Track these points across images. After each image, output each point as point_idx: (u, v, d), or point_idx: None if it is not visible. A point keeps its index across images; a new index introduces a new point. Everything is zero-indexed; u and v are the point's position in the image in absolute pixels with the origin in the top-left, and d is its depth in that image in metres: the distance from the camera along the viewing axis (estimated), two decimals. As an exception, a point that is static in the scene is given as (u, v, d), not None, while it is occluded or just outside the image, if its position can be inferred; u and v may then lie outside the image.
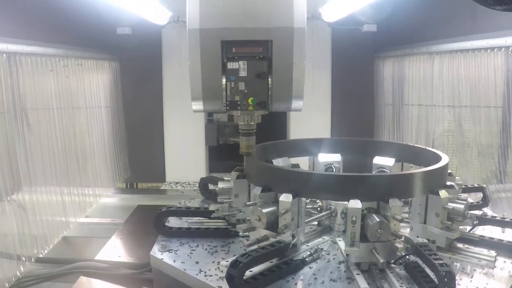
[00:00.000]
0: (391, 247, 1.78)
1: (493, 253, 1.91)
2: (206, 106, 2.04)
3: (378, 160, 2.44)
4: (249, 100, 1.98)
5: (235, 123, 2.11)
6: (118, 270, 2.53)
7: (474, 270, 1.83)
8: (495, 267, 1.85)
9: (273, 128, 4.78)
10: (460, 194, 2.19)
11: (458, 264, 1.89)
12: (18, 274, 2.55)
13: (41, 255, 2.81)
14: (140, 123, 4.66)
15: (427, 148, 2.36)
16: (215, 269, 1.83)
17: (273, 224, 1.86)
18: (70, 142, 3.41)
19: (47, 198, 3.01)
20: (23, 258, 2.62)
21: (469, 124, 3.17)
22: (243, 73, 1.96)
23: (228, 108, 2.00)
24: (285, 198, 1.82)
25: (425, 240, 1.89)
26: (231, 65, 1.95)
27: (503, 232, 2.14)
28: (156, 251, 2.03)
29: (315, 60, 4.54)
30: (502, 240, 2.02)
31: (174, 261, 1.92)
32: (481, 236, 2.06)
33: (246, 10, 1.91)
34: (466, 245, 2.00)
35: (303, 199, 1.94)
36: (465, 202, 1.93)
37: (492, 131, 2.93)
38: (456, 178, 2.21)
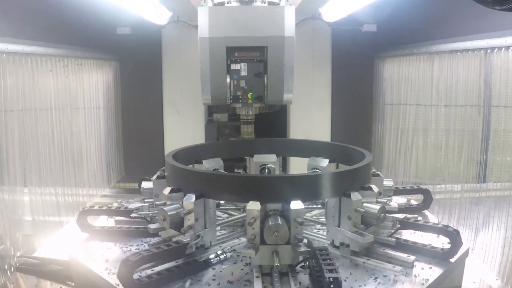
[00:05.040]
0: (296, 251, 1.73)
1: (411, 258, 1.84)
2: (213, 99, 2.45)
3: (312, 161, 2.46)
4: (249, 95, 2.42)
5: (237, 113, 2.56)
6: (48, 266, 2.61)
7: (385, 276, 1.76)
8: (407, 273, 1.77)
9: (273, 128, 4.78)
10: (390, 197, 2.16)
11: (371, 269, 1.81)
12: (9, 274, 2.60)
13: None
14: (140, 123, 4.66)
15: (357, 148, 2.34)
16: None
17: (180, 225, 1.88)
18: (67, 141, 3.42)
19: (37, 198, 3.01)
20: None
21: (467, 124, 3.18)
22: (243, 73, 2.40)
23: (231, 101, 2.44)
24: (188, 198, 1.85)
25: (326, 245, 1.89)
26: (234, 67, 2.39)
27: (438, 237, 2.03)
28: (73, 249, 2.06)
29: (315, 60, 4.55)
30: (425, 245, 1.94)
31: (86, 258, 1.94)
32: (405, 240, 1.98)
33: (246, 22, 2.35)
34: (386, 250, 1.93)
35: (212, 200, 1.95)
36: (380, 205, 1.86)
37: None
38: (387, 179, 2.17)
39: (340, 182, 1.92)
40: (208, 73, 2.38)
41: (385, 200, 2.02)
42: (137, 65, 4.54)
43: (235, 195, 1.93)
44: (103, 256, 1.93)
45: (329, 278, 1.55)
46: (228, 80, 2.41)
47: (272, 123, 4.56)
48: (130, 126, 4.68)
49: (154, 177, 2.21)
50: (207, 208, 1.93)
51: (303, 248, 1.71)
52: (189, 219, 1.85)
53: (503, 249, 2.56)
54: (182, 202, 1.88)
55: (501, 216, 2.69)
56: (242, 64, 2.39)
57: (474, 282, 2.27)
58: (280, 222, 1.72)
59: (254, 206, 1.73)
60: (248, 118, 2.57)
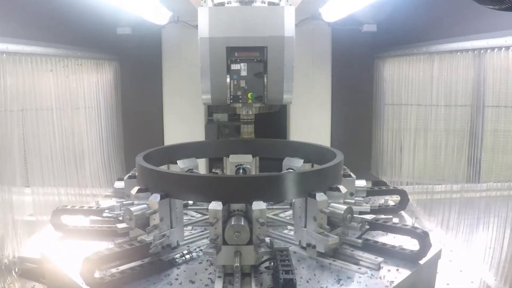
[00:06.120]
0: (259, 251, 1.72)
1: (378, 260, 1.82)
2: (214, 99, 2.47)
3: (287, 161, 2.47)
4: (249, 95, 2.43)
5: (237, 113, 2.56)
6: (24, 264, 2.65)
7: (349, 278, 1.73)
8: (372, 275, 1.75)
9: (273, 128, 4.78)
10: (361, 198, 2.14)
11: (336, 271, 1.79)
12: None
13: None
14: (140, 123, 4.66)
15: (330, 148, 2.35)
16: None
17: (147, 224, 1.89)
18: (68, 141, 3.41)
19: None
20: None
21: (467, 124, 3.17)
22: (243, 73, 2.40)
23: (231, 101, 2.44)
24: (153, 198, 1.85)
25: (287, 245, 1.88)
26: (234, 67, 2.40)
27: (412, 238, 1.96)
28: (44, 247, 2.08)
29: (315, 60, 4.54)
30: (395, 247, 1.92)
31: (56, 256, 1.96)
32: (375, 241, 1.97)
33: (246, 22, 2.36)
34: (355, 251, 1.90)
35: (178, 200, 1.95)
36: (346, 205, 1.83)
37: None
38: (360, 181, 2.15)
39: (305, 183, 1.90)
40: (208, 73, 2.40)
41: (353, 201, 2.00)
42: (137, 65, 4.54)
43: (198, 195, 1.93)
44: (73, 255, 1.94)
45: (283, 279, 1.56)
46: (228, 80, 2.42)
47: (272, 123, 4.57)
48: (130, 126, 4.68)
49: (126, 176, 2.21)
50: (173, 208, 1.93)
51: (263, 249, 1.71)
52: (154, 219, 1.86)
53: (501, 248, 2.56)
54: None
55: (497, 216, 2.68)
56: (242, 64, 2.40)
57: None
58: (242, 223, 1.71)
59: (216, 206, 1.73)
60: (248, 118, 2.58)
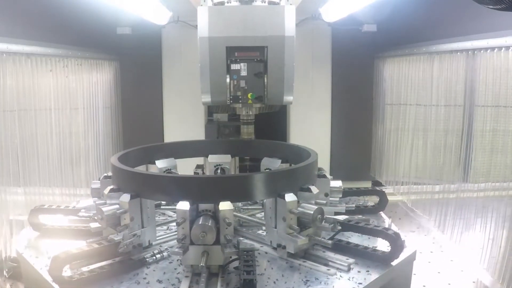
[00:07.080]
0: (226, 251, 1.71)
1: (349, 261, 1.81)
2: (213, 99, 2.44)
3: (266, 161, 2.46)
4: (249, 95, 2.40)
5: (237, 113, 2.53)
6: (6, 263, 2.66)
7: (316, 279, 1.72)
8: (341, 277, 1.73)
9: (273, 128, 4.78)
10: (337, 198, 2.12)
11: (305, 272, 1.77)
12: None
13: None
14: (140, 123, 4.66)
15: (306, 148, 2.32)
16: None
17: (118, 224, 1.89)
18: (66, 141, 3.41)
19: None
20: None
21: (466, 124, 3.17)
22: (243, 73, 2.37)
23: (231, 101, 2.42)
24: (124, 198, 1.86)
25: (254, 245, 1.88)
26: (234, 66, 2.37)
27: None
28: (20, 246, 2.07)
29: (315, 60, 4.54)
30: (367, 248, 1.90)
31: (30, 255, 1.96)
32: (347, 242, 1.95)
33: (246, 22, 2.33)
34: (327, 252, 1.89)
35: (149, 200, 1.94)
36: (316, 206, 1.80)
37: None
38: (335, 181, 2.14)
39: (273, 183, 1.88)
40: (208, 73, 2.37)
41: (324, 202, 1.96)
42: (137, 65, 4.54)
43: (166, 195, 1.92)
44: (47, 254, 1.94)
45: (244, 279, 1.56)
46: (228, 80, 2.39)
47: (272, 124, 4.57)
48: (130, 126, 4.68)
49: (102, 176, 2.21)
50: (144, 208, 1.92)
51: (229, 249, 1.71)
52: (125, 218, 1.86)
53: (499, 248, 2.57)
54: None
55: (481, 217, 2.69)
56: (242, 64, 2.37)
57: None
58: (208, 223, 1.71)
59: (183, 206, 1.73)
60: (248, 119, 2.56)
